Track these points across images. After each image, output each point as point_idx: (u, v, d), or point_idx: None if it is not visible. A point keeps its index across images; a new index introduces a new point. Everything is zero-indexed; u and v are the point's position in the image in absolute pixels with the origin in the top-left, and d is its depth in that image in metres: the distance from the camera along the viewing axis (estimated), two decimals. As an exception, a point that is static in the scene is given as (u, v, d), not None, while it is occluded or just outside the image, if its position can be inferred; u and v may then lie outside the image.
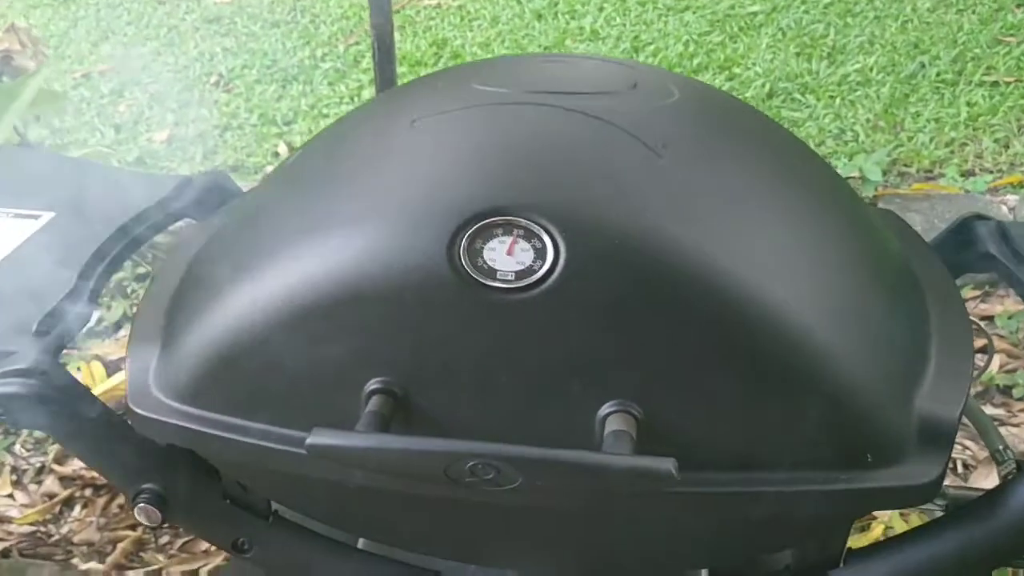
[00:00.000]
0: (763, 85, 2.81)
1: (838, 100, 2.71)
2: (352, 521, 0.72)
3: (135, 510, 0.71)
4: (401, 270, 0.58)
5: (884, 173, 2.37)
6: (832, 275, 0.63)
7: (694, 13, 3.29)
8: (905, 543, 0.66)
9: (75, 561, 1.62)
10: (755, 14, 3.29)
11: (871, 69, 2.87)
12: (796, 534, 0.65)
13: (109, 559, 1.61)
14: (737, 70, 2.92)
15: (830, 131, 2.57)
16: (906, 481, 0.59)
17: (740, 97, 2.71)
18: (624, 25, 3.28)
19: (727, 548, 0.67)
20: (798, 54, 3.00)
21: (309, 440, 0.57)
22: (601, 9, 3.38)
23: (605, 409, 0.58)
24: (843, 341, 0.59)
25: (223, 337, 0.63)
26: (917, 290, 0.70)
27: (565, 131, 0.63)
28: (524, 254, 0.57)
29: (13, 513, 1.70)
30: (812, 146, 2.51)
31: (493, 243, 0.58)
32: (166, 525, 0.73)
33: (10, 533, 1.67)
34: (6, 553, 1.64)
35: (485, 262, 0.57)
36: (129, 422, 0.66)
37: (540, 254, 0.57)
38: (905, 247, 0.76)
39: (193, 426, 0.64)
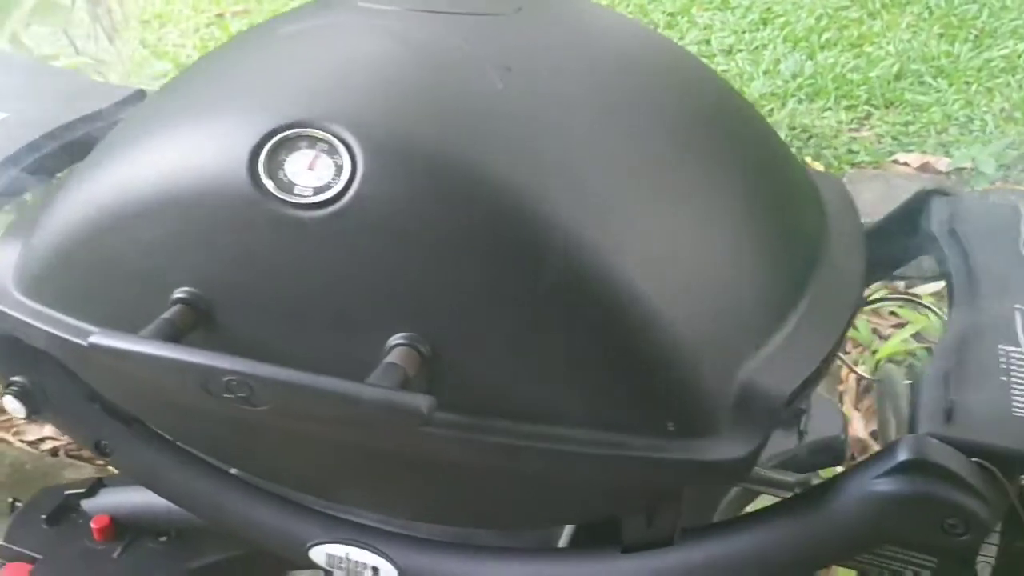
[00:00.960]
0: (892, 65, 2.62)
1: (974, 86, 2.50)
2: (193, 439, 0.71)
3: (2, 401, 0.73)
4: (207, 177, 0.56)
5: (1006, 167, 2.17)
6: (680, 225, 0.57)
7: (838, -16, 3.10)
8: (738, 527, 0.59)
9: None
10: (904, -9, 3.07)
11: (1020, 56, 2.63)
12: (610, 502, 0.60)
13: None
14: (869, 48, 2.74)
15: (956, 119, 2.38)
16: (707, 456, 0.53)
17: (862, 77, 2.54)
18: (759, -4, 3.13)
19: (540, 508, 0.62)
20: (941, 35, 2.79)
21: (91, 339, 0.56)
22: (738, -23, 3.23)
23: (392, 341, 0.55)
24: (664, 295, 0.53)
25: (61, 230, 0.63)
26: (805, 258, 0.63)
27: (400, 50, 0.59)
28: (325, 170, 0.54)
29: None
30: (932, 133, 2.33)
31: (296, 156, 0.55)
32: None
33: (61, 435, 1.77)
34: (55, 452, 1.74)
35: (286, 175, 0.55)
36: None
37: (339, 171, 0.54)
38: (827, 218, 0.68)
39: (29, 319, 0.64)
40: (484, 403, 0.55)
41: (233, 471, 0.74)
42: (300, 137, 0.55)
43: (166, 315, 0.57)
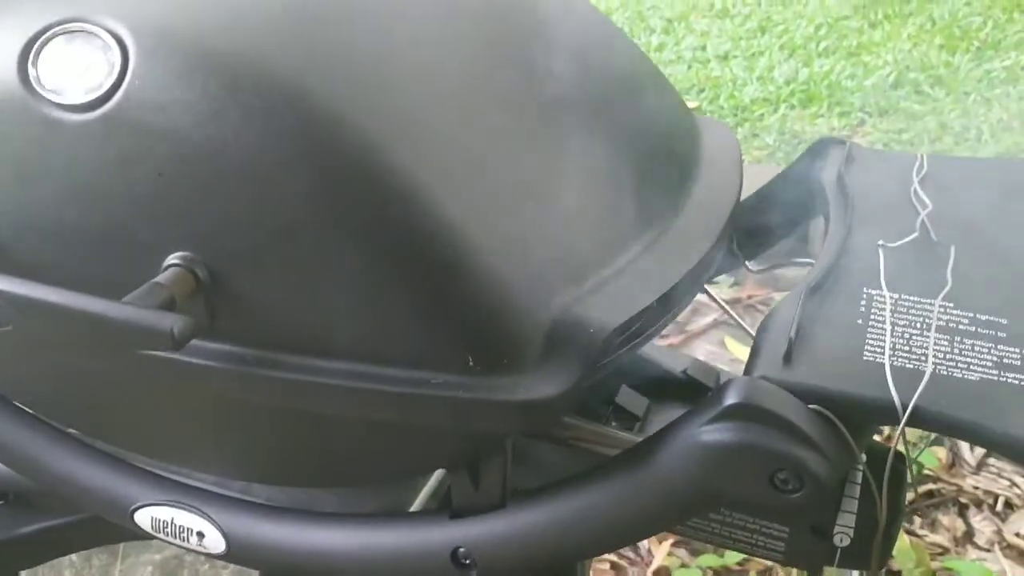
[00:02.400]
0: (889, 74, 2.55)
1: (972, 96, 2.42)
2: (18, 392, 0.65)
3: None
4: None
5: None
6: (495, 147, 0.51)
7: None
8: (570, 488, 0.52)
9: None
10: (908, 1, 3.01)
11: (1023, 67, 2.56)
12: (425, 454, 0.53)
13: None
14: (867, 57, 2.67)
15: (952, 128, 2.30)
16: (511, 395, 0.46)
17: (857, 85, 2.47)
18: (759, 4, 3.08)
19: (354, 460, 0.55)
20: (942, 46, 2.71)
21: None
22: (740, -13, 3.19)
23: (168, 261, 0.49)
24: (466, 214, 0.47)
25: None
26: (659, 193, 0.56)
27: None
28: (98, 69, 0.49)
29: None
30: (925, 142, 2.25)
31: (70, 54, 0.49)
32: None
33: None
34: None
35: (59, 75, 0.49)
36: None
37: (112, 69, 0.48)
38: (698, 157, 0.62)
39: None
40: (271, 335, 0.49)
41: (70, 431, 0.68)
42: (72, 32, 0.50)
43: None
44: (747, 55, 2.74)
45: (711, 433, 0.46)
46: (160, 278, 0.48)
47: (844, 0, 3.03)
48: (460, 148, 0.50)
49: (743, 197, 0.71)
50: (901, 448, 0.49)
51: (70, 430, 0.69)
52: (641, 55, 0.65)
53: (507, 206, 0.49)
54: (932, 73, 2.54)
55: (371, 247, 0.46)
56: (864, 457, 0.51)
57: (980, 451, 1.55)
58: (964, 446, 1.53)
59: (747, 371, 0.48)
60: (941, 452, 1.48)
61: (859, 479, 0.54)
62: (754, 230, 0.70)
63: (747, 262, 0.72)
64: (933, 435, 1.47)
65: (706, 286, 0.75)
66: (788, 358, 0.47)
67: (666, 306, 0.52)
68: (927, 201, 0.58)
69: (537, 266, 0.49)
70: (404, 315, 0.47)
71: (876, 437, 0.57)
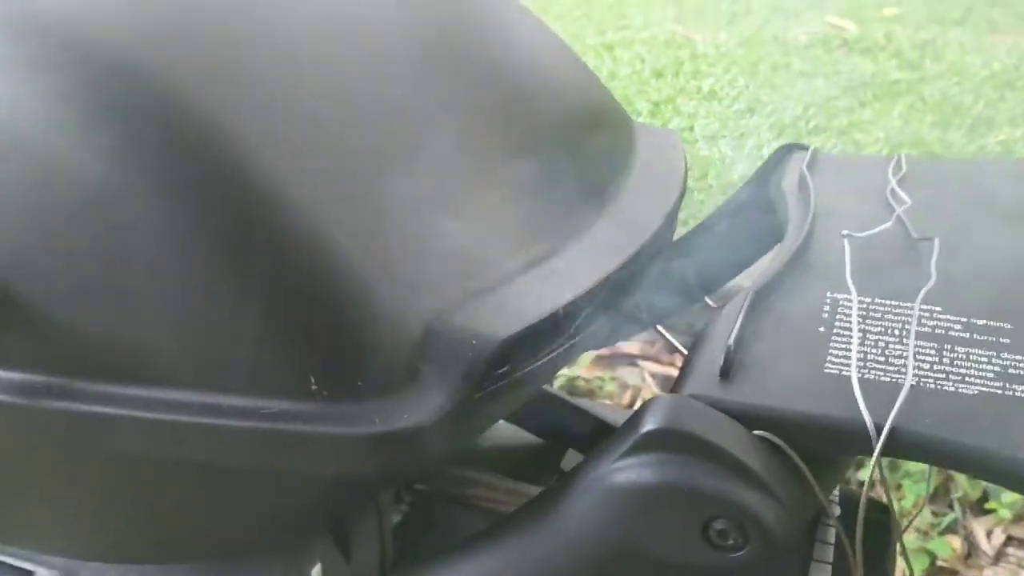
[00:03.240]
0: (881, 150, 2.48)
1: (968, 171, 2.34)
2: None
3: None
4: None
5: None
6: (374, 136, 0.41)
7: (827, 79, 3.01)
8: (462, 554, 0.41)
9: None
10: (897, 82, 2.98)
11: (1017, 142, 2.49)
12: (272, 517, 0.42)
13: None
14: (858, 135, 2.61)
15: (948, 201, 2.21)
16: (360, 427, 0.35)
17: (848, 159, 2.39)
18: (747, 87, 3.04)
19: (190, 527, 0.44)
20: (934, 123, 2.65)
21: None
22: (727, 71, 3.16)
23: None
24: (316, 202, 0.37)
25: None
26: (576, 199, 0.46)
27: None
28: None
29: None
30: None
31: None
32: None
33: None
34: None
35: None
36: None
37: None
38: (630, 164, 0.52)
39: None
40: (64, 358, 0.38)
41: None
42: None
43: None
44: (736, 135, 2.68)
45: (625, 471, 0.35)
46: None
47: (832, 82, 2.99)
48: (311, 125, 0.40)
49: (699, 222, 0.61)
50: (880, 491, 0.37)
51: None
52: (568, 50, 0.55)
53: (369, 197, 0.39)
54: (926, 149, 2.47)
55: (181, 238, 0.36)
56: (836, 508, 0.39)
57: (998, 539, 1.41)
58: (980, 533, 1.39)
59: (674, 390, 0.37)
60: (955, 541, 1.34)
61: (831, 537, 0.42)
62: (712, 257, 0.59)
63: (707, 297, 0.62)
64: (945, 521, 1.34)
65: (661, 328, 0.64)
66: (727, 373, 0.36)
67: (574, 318, 0.41)
68: (905, 198, 0.47)
69: (405, 266, 0.38)
70: (227, 324, 0.36)
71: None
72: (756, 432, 0.34)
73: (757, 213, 0.57)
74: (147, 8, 0.41)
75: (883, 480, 0.36)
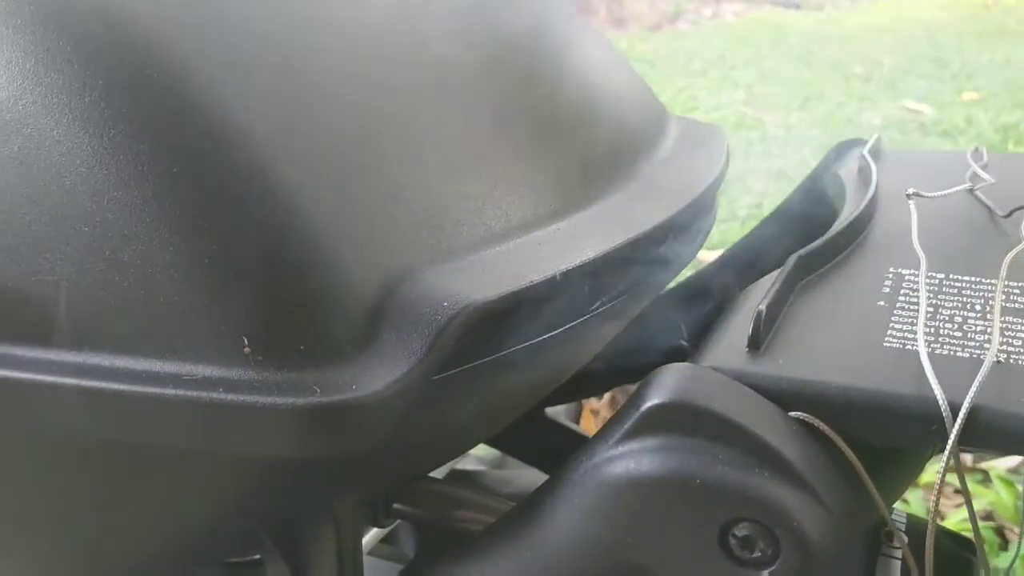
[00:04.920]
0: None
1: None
2: None
3: None
4: None
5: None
6: (342, 77, 0.35)
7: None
8: (438, 566, 0.33)
9: None
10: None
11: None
12: (207, 523, 0.35)
13: None
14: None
15: None
16: (300, 396, 0.28)
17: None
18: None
19: (124, 526, 0.36)
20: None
21: None
22: (798, 151, 3.10)
23: None
24: (263, 129, 0.31)
25: None
26: (588, 171, 0.40)
27: None
28: None
29: None
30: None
31: None
32: None
33: None
34: None
35: None
36: None
37: None
38: (654, 146, 0.45)
39: None
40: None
41: None
42: None
43: None
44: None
45: (623, 460, 0.27)
46: None
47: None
48: (273, 55, 0.34)
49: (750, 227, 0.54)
50: (957, 510, 0.29)
51: None
52: (571, 15, 0.49)
53: (338, 140, 0.33)
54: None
55: (109, 172, 0.30)
56: (902, 524, 0.31)
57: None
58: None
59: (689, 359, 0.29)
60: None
61: (896, 571, 0.33)
62: (769, 253, 0.52)
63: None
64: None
65: None
66: (757, 343, 0.28)
67: (577, 292, 0.34)
68: (987, 177, 0.40)
69: (370, 213, 0.32)
70: (142, 268, 0.30)
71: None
72: (793, 413, 0.26)
73: (810, 209, 0.50)
74: None
75: (964, 491, 0.27)
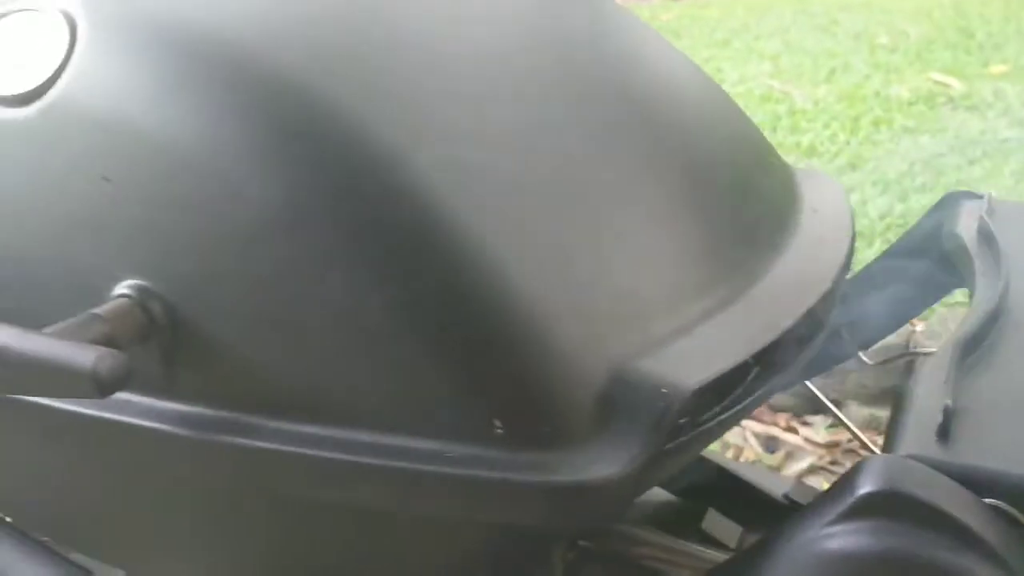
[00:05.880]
0: (993, 209, 2.40)
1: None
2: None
3: None
4: None
5: None
6: (553, 176, 0.39)
7: (933, 136, 2.94)
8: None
9: None
10: (1007, 140, 2.89)
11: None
12: (437, 567, 0.40)
13: None
14: (967, 193, 2.53)
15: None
16: (555, 474, 0.33)
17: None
18: (848, 143, 2.99)
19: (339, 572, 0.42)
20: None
21: None
22: (827, 126, 3.11)
23: (117, 290, 0.38)
24: (502, 245, 0.35)
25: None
26: (748, 251, 0.44)
27: None
28: (38, 52, 0.40)
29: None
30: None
31: (6, 38, 0.41)
32: None
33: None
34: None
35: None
36: None
37: (56, 52, 0.39)
38: (797, 215, 0.49)
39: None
40: (239, 393, 0.37)
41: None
42: (12, 13, 0.41)
43: None
44: (838, 191, 2.61)
45: (839, 537, 0.32)
46: (100, 308, 0.37)
47: (938, 139, 2.92)
48: (495, 168, 0.38)
49: (854, 269, 0.58)
50: None
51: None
52: (724, 95, 0.53)
53: (552, 239, 0.37)
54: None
55: (368, 273, 0.35)
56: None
57: None
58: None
59: (885, 451, 0.34)
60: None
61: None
62: (870, 310, 0.56)
63: (860, 352, 0.58)
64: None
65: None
66: (945, 432, 0.33)
67: (764, 369, 0.38)
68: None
69: (588, 308, 0.36)
70: (410, 365, 0.35)
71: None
72: (988, 500, 0.31)
73: (922, 264, 0.54)
74: (315, 29, 0.40)
75: None
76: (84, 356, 0.33)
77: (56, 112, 0.38)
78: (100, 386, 0.32)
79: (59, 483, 0.45)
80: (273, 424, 0.36)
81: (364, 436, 0.35)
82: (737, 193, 0.46)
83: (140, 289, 0.38)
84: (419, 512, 0.36)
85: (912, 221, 2.09)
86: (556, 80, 0.44)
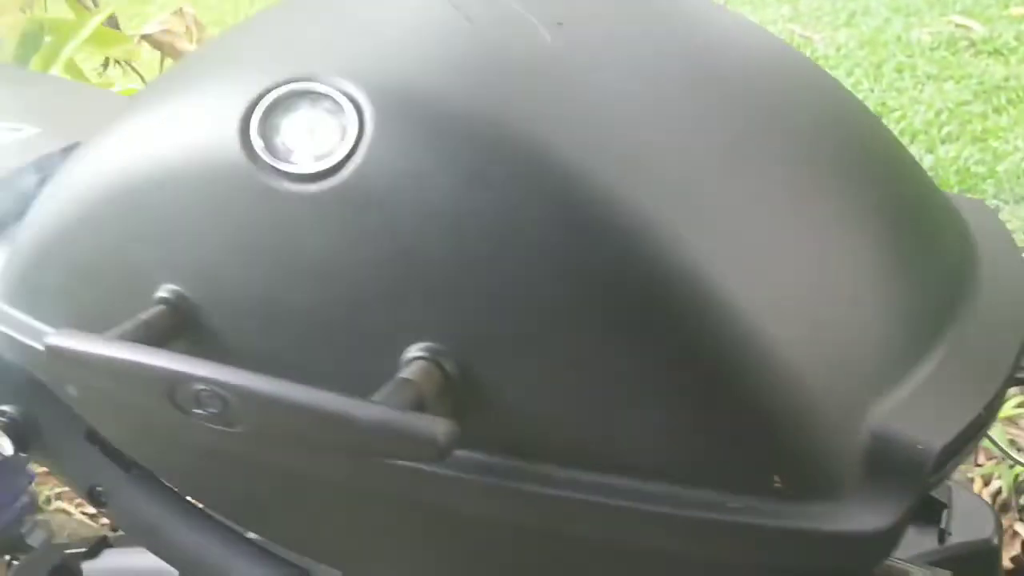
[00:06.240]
0: (1022, 160, 2.44)
1: None
2: (201, 490, 0.59)
3: (-11, 434, 0.63)
4: (191, 148, 0.46)
5: None
6: (790, 233, 0.44)
7: (957, 83, 2.96)
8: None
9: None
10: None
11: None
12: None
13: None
14: (994, 143, 2.57)
15: (1098, 215, 2.17)
16: (830, 525, 0.38)
17: (988, 170, 2.36)
18: (872, 91, 3.01)
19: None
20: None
21: (47, 339, 0.45)
22: (850, 73, 3.13)
23: (410, 353, 0.42)
24: (768, 312, 0.40)
25: (44, 224, 0.54)
26: (949, 290, 0.48)
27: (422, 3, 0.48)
28: (328, 134, 0.43)
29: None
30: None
31: (295, 118, 0.44)
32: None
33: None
34: (115, 527, 1.65)
35: (283, 141, 0.44)
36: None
37: (344, 134, 0.43)
38: (975, 247, 0.53)
39: (6, 329, 0.55)
40: (525, 442, 0.42)
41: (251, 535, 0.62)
42: (298, 94, 0.45)
43: (143, 315, 0.46)
44: (865, 141, 2.65)
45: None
46: (407, 373, 0.41)
47: (963, 86, 2.94)
48: (751, 234, 0.42)
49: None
50: None
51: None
52: (896, 140, 0.57)
53: (804, 297, 0.42)
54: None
55: (657, 343, 0.39)
56: None
57: None
58: None
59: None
60: None
61: None
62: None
63: None
64: None
65: None
66: None
67: (987, 420, 0.43)
68: None
69: (847, 367, 0.41)
70: (694, 424, 0.40)
71: None
72: None
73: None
74: (548, 90, 0.44)
75: None
76: (425, 426, 0.37)
77: (350, 190, 0.42)
78: (440, 453, 0.37)
79: (321, 502, 0.50)
80: (555, 471, 0.41)
81: (646, 486, 0.40)
82: (929, 228, 0.50)
83: (432, 349, 0.42)
84: (695, 557, 0.41)
85: (942, 174, 2.12)
86: (759, 110, 0.48)
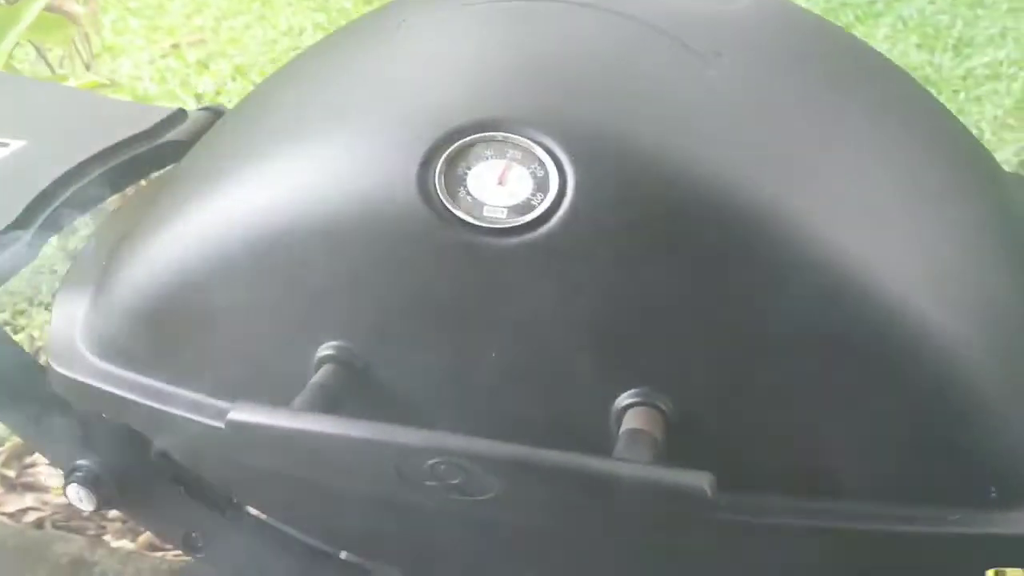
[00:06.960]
0: (877, 76, 2.58)
1: (962, 95, 2.47)
2: (305, 519, 0.58)
3: (65, 490, 0.59)
4: (360, 200, 0.44)
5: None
6: (960, 240, 0.47)
7: (806, 1, 3.08)
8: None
9: (107, 538, 1.55)
10: (874, 2, 3.07)
11: (1001, 63, 2.62)
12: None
13: (141, 538, 1.53)
14: (850, 60, 2.70)
15: (952, 127, 2.33)
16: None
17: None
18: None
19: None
20: (919, 45, 2.77)
21: (230, 415, 0.43)
22: None
23: (623, 400, 0.43)
24: (963, 324, 0.43)
25: (152, 277, 0.50)
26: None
27: (588, 32, 0.48)
28: (520, 184, 0.42)
29: (52, 483, 1.64)
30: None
31: (481, 168, 0.43)
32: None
33: (45, 503, 1.60)
34: (40, 524, 1.56)
35: (469, 193, 0.43)
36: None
37: (541, 185, 0.42)
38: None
39: (112, 388, 0.51)
40: (747, 475, 0.44)
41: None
42: (485, 142, 0.43)
43: (316, 379, 0.45)
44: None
45: None
46: (635, 422, 0.42)
47: (811, 4, 3.06)
48: (933, 254, 0.45)
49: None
50: None
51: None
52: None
53: (998, 320, 0.45)
54: (919, 74, 2.58)
55: (909, 391, 0.41)
56: None
57: None
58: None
59: None
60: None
61: None
62: None
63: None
64: None
65: None
66: None
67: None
68: None
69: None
70: (911, 447, 0.42)
71: None
72: None
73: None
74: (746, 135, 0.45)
75: None
76: (693, 479, 0.39)
77: (557, 243, 0.42)
78: (711, 505, 0.39)
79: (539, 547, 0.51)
80: (779, 501, 0.44)
81: (872, 508, 0.43)
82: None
83: (648, 393, 0.43)
84: (930, 566, 0.44)
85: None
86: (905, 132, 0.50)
